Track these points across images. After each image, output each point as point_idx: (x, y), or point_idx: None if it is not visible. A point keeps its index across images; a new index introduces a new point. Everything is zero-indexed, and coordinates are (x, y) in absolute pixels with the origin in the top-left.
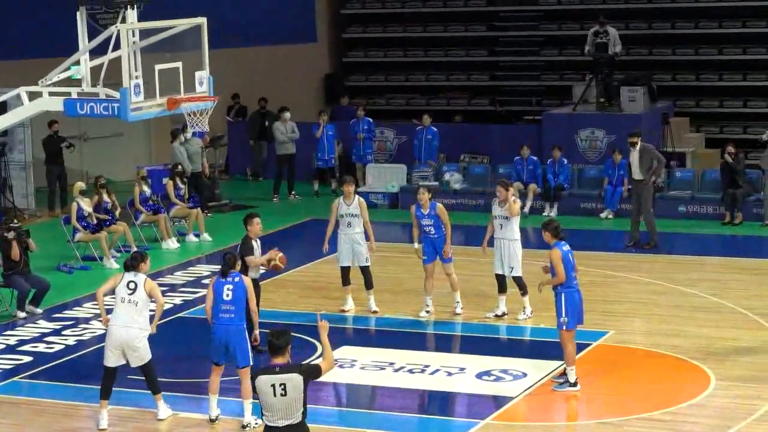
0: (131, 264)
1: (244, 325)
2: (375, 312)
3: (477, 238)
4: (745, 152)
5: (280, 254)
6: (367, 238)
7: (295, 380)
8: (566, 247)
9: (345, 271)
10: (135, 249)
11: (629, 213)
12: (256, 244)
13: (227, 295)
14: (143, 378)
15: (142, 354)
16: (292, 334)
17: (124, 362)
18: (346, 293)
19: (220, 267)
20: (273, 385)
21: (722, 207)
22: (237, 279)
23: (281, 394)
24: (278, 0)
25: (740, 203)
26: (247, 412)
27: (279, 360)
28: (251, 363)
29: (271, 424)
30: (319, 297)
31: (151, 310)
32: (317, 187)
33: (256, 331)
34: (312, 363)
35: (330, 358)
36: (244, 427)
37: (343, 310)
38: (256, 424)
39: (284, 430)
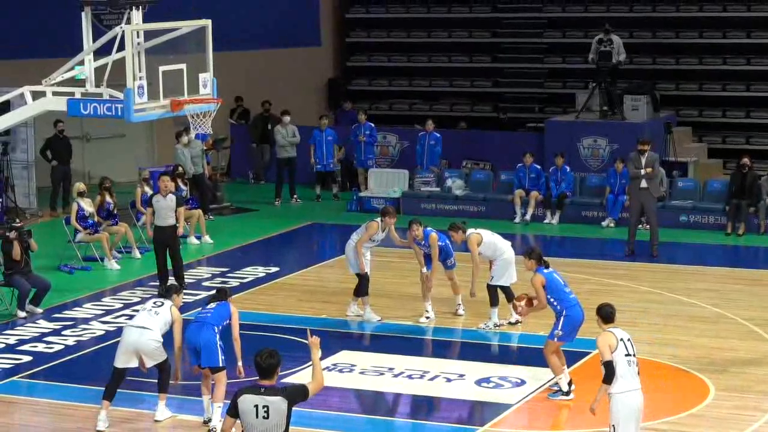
0: (165, 293)
1: (216, 329)
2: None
3: None
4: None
5: None
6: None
7: (278, 404)
8: (547, 270)
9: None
10: (136, 250)
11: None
12: (163, 200)
13: (209, 306)
14: (149, 379)
15: (157, 357)
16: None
17: (134, 365)
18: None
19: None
20: (256, 406)
21: (724, 217)
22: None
23: (263, 417)
24: (283, 3)
25: (744, 214)
26: (216, 415)
27: (265, 381)
28: (222, 365)
29: None
30: (318, 301)
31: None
32: (319, 191)
33: (240, 363)
34: (298, 385)
35: (319, 378)
36: (210, 431)
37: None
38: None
39: None
